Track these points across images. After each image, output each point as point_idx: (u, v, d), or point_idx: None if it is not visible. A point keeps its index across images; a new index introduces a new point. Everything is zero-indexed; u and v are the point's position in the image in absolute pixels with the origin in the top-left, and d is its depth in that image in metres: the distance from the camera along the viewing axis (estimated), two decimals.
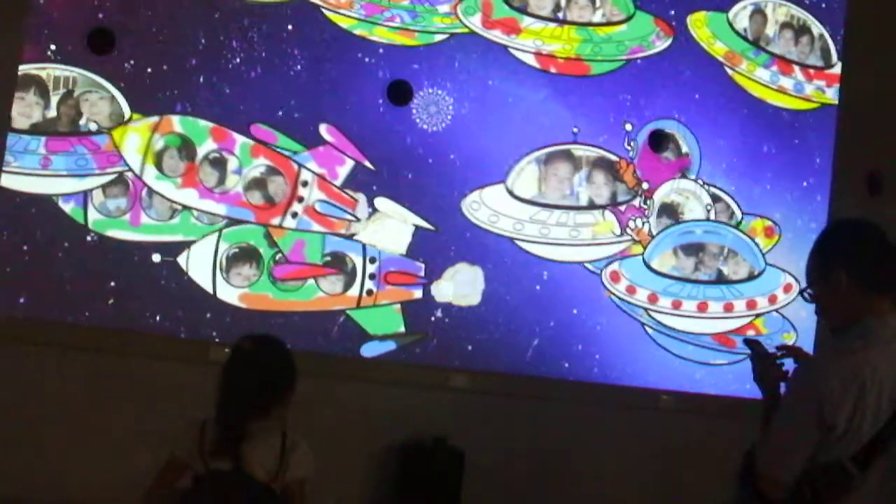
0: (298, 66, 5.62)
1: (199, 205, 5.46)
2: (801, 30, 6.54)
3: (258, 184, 5.54)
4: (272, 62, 5.58)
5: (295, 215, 5.60)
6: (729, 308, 6.20)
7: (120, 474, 4.69)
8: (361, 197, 5.65)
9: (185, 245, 5.42)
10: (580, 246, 6.00)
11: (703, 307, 6.17)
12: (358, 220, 5.67)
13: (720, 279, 6.21)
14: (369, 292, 5.69)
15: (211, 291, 5.46)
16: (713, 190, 6.25)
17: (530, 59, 6.01)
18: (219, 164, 5.48)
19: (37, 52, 5.33)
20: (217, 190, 5.49)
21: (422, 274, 5.77)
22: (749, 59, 6.43)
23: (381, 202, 5.70)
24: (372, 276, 5.70)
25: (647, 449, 5.84)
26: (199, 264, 5.44)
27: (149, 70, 5.43)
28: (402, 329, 5.76)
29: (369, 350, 5.71)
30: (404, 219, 5.72)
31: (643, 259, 6.09)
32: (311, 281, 5.62)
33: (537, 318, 5.89)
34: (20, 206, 5.27)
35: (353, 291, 5.68)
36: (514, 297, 5.87)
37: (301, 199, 5.59)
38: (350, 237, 5.66)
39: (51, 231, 5.30)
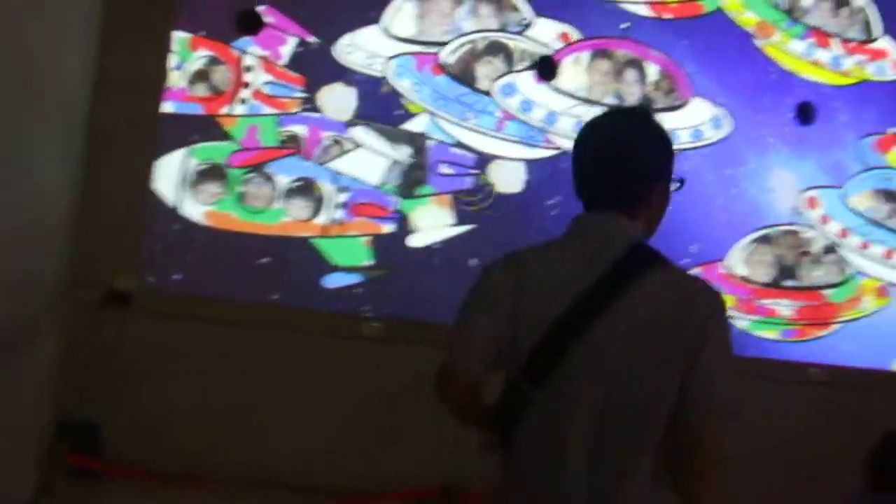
0: None
1: None
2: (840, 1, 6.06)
3: (201, 76, 5.30)
4: None
5: (244, 101, 5.33)
6: None
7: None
8: None
9: None
10: None
11: (888, 255, 6.01)
12: (310, 96, 5.40)
13: None
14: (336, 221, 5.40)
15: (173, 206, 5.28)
16: None
17: (643, 11, 5.76)
18: None
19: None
20: None
21: (393, 207, 5.47)
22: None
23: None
24: (343, 206, 5.39)
25: None
26: (166, 177, 5.24)
27: None
28: (368, 262, 5.44)
29: (333, 281, 5.39)
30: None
31: (840, 194, 5.95)
32: (277, 205, 5.35)
33: None
34: None
35: (321, 219, 5.38)
36: None
37: (247, 85, 5.32)
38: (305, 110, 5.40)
39: None
